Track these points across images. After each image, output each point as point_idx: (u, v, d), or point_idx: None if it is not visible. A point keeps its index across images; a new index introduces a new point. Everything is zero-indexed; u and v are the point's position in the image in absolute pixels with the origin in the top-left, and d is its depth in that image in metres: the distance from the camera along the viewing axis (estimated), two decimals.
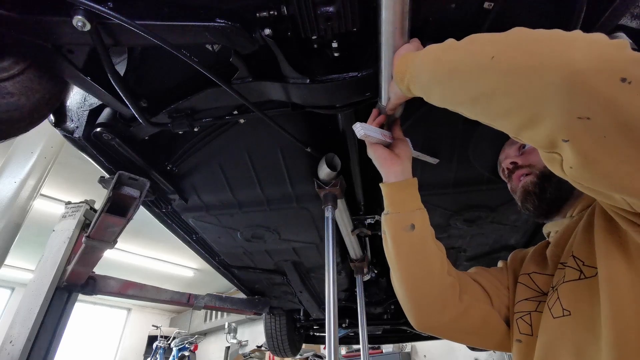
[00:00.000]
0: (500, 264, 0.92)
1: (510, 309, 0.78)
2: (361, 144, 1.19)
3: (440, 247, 0.82)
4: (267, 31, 0.72)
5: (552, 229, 0.80)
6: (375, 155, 0.87)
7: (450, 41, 0.57)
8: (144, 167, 1.21)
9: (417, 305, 0.79)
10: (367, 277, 2.09)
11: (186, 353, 7.04)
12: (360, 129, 0.82)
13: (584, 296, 0.59)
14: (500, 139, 0.94)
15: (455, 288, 0.78)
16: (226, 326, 7.44)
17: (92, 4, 0.66)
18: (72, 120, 1.06)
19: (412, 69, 0.63)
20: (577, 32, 0.42)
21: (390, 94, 0.77)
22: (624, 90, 0.37)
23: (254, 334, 8.07)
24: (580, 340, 0.57)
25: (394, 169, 0.85)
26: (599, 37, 0.41)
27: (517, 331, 0.73)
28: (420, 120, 1.12)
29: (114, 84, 0.84)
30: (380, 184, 0.87)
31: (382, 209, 0.87)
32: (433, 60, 0.59)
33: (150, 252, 7.16)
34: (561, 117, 0.41)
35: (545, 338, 0.64)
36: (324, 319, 1.11)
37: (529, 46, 0.45)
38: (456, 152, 1.27)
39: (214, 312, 8.98)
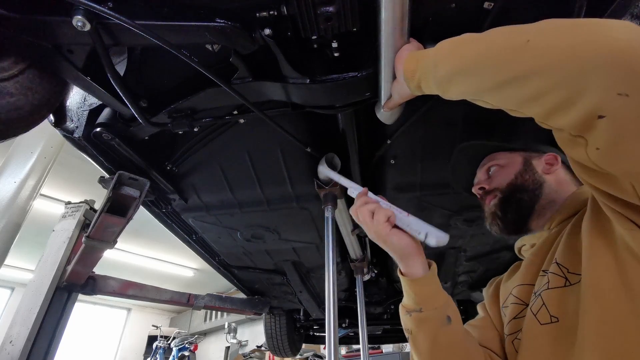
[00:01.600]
0: (479, 308, 0.91)
1: (503, 340, 0.77)
2: (361, 144, 1.19)
3: (472, 336, 0.76)
4: (267, 31, 0.72)
5: (528, 241, 0.81)
6: (402, 245, 0.72)
7: (469, 34, 0.57)
8: (144, 167, 1.21)
9: None
10: (367, 277, 2.09)
11: (186, 353, 7.04)
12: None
13: (570, 303, 0.59)
14: (472, 165, 0.97)
15: None
16: (226, 326, 7.45)
17: (92, 4, 0.66)
18: (72, 120, 1.06)
19: (425, 65, 0.62)
20: (607, 19, 0.44)
21: (393, 93, 0.77)
22: None
23: (254, 334, 8.07)
24: (568, 346, 0.57)
25: (421, 260, 0.74)
26: (629, 22, 0.43)
27: (515, 354, 0.70)
28: (420, 121, 1.12)
29: (114, 84, 0.84)
30: (407, 279, 0.74)
31: None
32: (452, 52, 0.58)
33: (150, 252, 7.16)
34: (602, 92, 0.41)
35: (532, 346, 0.64)
36: (324, 319, 1.11)
37: (567, 29, 0.46)
38: None
39: (214, 312, 8.99)
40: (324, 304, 1.14)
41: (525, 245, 0.82)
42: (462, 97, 0.59)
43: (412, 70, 0.65)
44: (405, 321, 0.75)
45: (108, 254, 1.74)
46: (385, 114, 0.87)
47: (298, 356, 4.74)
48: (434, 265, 0.75)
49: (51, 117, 1.03)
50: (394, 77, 0.73)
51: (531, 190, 0.80)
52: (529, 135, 1.00)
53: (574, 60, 0.43)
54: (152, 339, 8.14)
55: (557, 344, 0.59)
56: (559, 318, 0.60)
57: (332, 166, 1.23)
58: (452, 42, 0.58)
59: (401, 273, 0.76)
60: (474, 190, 0.91)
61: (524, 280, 0.75)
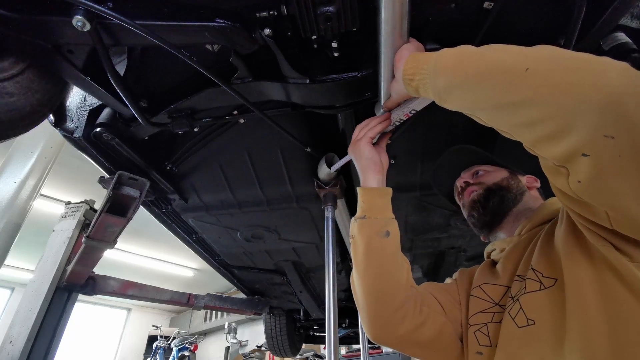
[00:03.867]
0: (448, 280, 0.94)
1: (463, 325, 0.79)
2: None
3: (406, 260, 0.83)
4: (267, 31, 0.72)
5: (498, 246, 0.85)
6: (369, 157, 0.85)
7: (470, 47, 0.57)
8: (144, 167, 1.21)
9: (378, 315, 0.77)
10: None
11: (186, 353, 7.04)
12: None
13: (546, 306, 0.61)
14: (456, 169, 1.02)
15: (417, 300, 0.78)
16: (226, 326, 7.45)
17: (92, 4, 0.66)
18: (72, 120, 1.06)
19: (426, 71, 0.62)
20: (605, 58, 0.45)
21: (392, 92, 0.77)
22: None
23: (254, 334, 8.08)
24: (546, 347, 0.59)
25: (379, 177, 0.85)
26: (626, 65, 0.44)
27: (476, 344, 0.73)
28: (419, 120, 1.12)
29: (113, 84, 0.84)
30: (360, 188, 0.85)
31: None
32: (454, 65, 0.58)
33: (150, 252, 7.16)
34: (590, 132, 0.43)
35: (509, 347, 0.65)
36: (324, 319, 1.12)
37: (565, 63, 0.46)
38: None
39: (214, 312, 8.99)
40: (324, 304, 1.14)
41: (496, 249, 0.86)
42: (457, 110, 0.60)
43: (411, 73, 0.65)
44: (352, 227, 0.84)
45: (108, 254, 1.74)
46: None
47: (298, 356, 4.74)
48: (390, 189, 0.85)
49: (51, 117, 1.03)
50: (393, 76, 0.73)
51: (514, 193, 0.89)
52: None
53: (569, 97, 0.44)
54: (152, 339, 8.14)
55: (532, 345, 0.61)
56: (535, 320, 0.62)
57: (332, 166, 1.23)
58: (456, 55, 0.58)
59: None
60: (458, 182, 0.97)
61: (494, 280, 0.78)
